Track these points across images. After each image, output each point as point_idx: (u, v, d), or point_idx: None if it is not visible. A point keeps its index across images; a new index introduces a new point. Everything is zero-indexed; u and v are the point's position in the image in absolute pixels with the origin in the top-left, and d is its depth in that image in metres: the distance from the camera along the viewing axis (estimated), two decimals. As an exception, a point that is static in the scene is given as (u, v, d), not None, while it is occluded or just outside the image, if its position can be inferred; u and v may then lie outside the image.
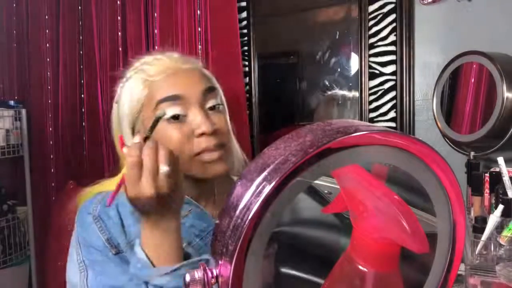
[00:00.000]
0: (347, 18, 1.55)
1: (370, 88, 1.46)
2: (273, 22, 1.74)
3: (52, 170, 2.09)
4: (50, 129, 2.09)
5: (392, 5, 1.40)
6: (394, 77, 1.42)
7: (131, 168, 0.62)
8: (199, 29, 1.64)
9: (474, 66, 1.18)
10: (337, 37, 1.59)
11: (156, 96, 0.77)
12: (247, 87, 1.67)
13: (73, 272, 0.76)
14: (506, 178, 0.97)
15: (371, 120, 1.46)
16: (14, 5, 2.18)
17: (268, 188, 0.35)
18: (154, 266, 0.65)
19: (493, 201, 1.06)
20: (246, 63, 1.67)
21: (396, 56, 1.41)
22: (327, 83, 1.62)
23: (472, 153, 1.18)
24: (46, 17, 2.06)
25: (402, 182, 0.45)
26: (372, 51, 1.45)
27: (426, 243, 0.44)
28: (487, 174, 1.09)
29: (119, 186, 0.66)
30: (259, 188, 0.36)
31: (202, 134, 0.75)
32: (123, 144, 0.69)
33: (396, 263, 0.47)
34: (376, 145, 0.39)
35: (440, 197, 0.42)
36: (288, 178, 0.35)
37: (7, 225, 2.03)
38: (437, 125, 1.27)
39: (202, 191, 0.84)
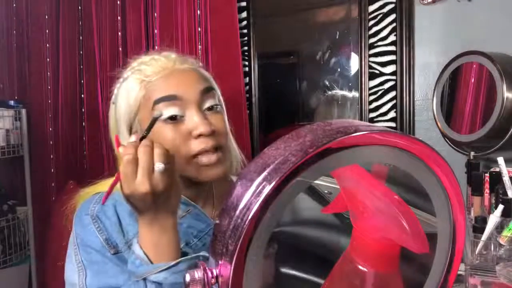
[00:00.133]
0: (347, 18, 1.55)
1: (370, 88, 1.46)
2: (273, 22, 1.74)
3: (52, 170, 2.09)
4: (50, 129, 2.09)
5: (392, 5, 1.40)
6: (394, 77, 1.42)
7: (127, 165, 0.63)
8: (199, 29, 1.64)
9: (474, 66, 1.18)
10: (337, 37, 1.59)
11: (153, 96, 0.76)
12: (247, 87, 1.67)
13: (71, 272, 0.76)
14: (506, 178, 0.97)
15: (371, 120, 1.46)
16: (14, 5, 2.18)
17: (268, 188, 0.35)
18: (152, 263, 0.66)
19: (493, 201, 1.06)
20: (246, 63, 1.67)
21: (396, 56, 1.41)
22: (327, 83, 1.62)
23: (472, 153, 1.18)
24: (46, 17, 2.06)
25: (402, 182, 0.45)
26: (372, 51, 1.45)
27: (426, 243, 0.44)
28: (487, 174, 1.09)
29: (114, 184, 0.66)
30: (259, 188, 0.36)
31: (199, 135, 0.75)
32: (119, 144, 0.70)
33: (396, 263, 0.47)
34: (376, 145, 0.39)
35: (440, 197, 0.42)
36: (288, 178, 0.35)
37: (7, 225, 2.03)
38: (437, 125, 1.27)
39: (200, 192, 0.84)
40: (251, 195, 0.36)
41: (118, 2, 1.84)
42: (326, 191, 0.53)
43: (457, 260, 0.45)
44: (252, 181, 0.37)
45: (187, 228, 0.79)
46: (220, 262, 0.38)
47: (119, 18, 1.84)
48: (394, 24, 1.41)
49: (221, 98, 0.85)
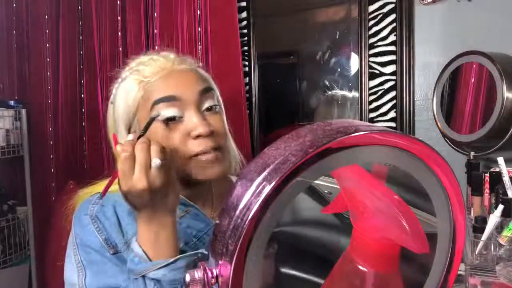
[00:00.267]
0: (347, 18, 1.55)
1: (370, 88, 1.46)
2: (273, 22, 1.74)
3: (52, 170, 2.09)
4: (50, 129, 2.09)
5: (392, 5, 1.40)
6: (394, 77, 1.42)
7: (124, 161, 0.64)
8: (199, 29, 1.64)
9: (474, 66, 1.18)
10: (337, 37, 1.59)
11: (152, 97, 0.76)
12: (247, 87, 1.67)
13: (71, 273, 0.76)
14: (506, 178, 0.97)
15: (371, 120, 1.46)
16: (14, 5, 2.18)
17: (268, 188, 0.35)
18: (150, 260, 0.66)
19: (493, 201, 1.06)
20: (246, 63, 1.67)
21: (396, 56, 1.41)
22: (327, 83, 1.62)
23: (472, 153, 1.18)
24: (46, 17, 2.06)
25: (402, 182, 0.45)
26: (372, 51, 1.45)
27: (426, 243, 0.44)
28: (487, 174, 1.09)
29: (112, 180, 0.67)
30: (259, 188, 0.36)
31: (198, 136, 0.75)
32: (116, 142, 0.70)
33: (396, 263, 0.47)
34: (376, 145, 0.39)
35: (440, 197, 0.42)
36: (288, 178, 0.35)
37: (7, 225, 2.03)
38: (437, 125, 1.27)
39: (199, 192, 0.84)
40: (251, 195, 0.36)
41: (118, 2, 1.84)
42: (326, 191, 0.53)
43: (457, 260, 0.45)
44: (252, 181, 0.37)
45: (186, 228, 0.79)
46: (220, 262, 0.38)
47: (119, 18, 1.84)
48: (394, 24, 1.41)
49: (220, 98, 0.85)
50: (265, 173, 0.36)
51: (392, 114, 1.44)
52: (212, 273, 0.39)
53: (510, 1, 1.25)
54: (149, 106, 0.76)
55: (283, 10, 1.71)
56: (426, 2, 1.36)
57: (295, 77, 1.72)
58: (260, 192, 0.35)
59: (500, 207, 0.89)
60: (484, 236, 0.86)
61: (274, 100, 1.74)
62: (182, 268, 0.65)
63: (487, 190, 1.09)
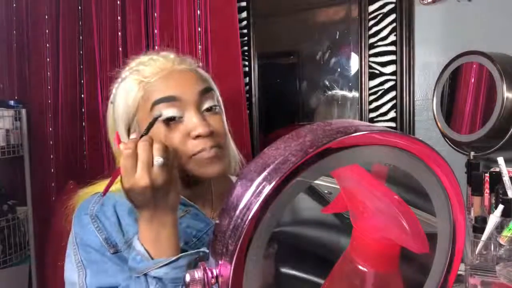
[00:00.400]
0: (347, 18, 1.55)
1: (370, 88, 1.46)
2: (273, 22, 1.74)
3: (52, 170, 2.09)
4: (50, 129, 2.09)
5: (392, 5, 1.40)
6: (394, 77, 1.42)
7: (126, 159, 0.64)
8: (199, 29, 1.64)
9: (474, 66, 1.18)
10: (337, 37, 1.59)
11: (152, 97, 0.76)
12: (247, 87, 1.67)
13: (71, 272, 0.76)
14: (506, 178, 0.97)
15: (371, 120, 1.46)
16: (14, 5, 2.18)
17: (268, 188, 0.35)
18: (152, 259, 0.66)
19: (493, 201, 1.06)
20: (246, 63, 1.67)
21: (396, 56, 1.41)
22: (327, 83, 1.62)
23: (472, 153, 1.18)
24: (46, 17, 2.06)
25: (402, 182, 0.45)
26: (372, 51, 1.45)
27: (426, 243, 0.44)
28: (487, 174, 1.09)
29: (114, 178, 0.67)
30: (259, 188, 0.36)
31: (198, 136, 0.75)
32: (119, 141, 0.71)
33: (396, 263, 0.47)
34: (376, 145, 0.39)
35: (440, 197, 0.42)
36: (288, 178, 0.35)
37: (7, 225, 2.03)
38: (437, 125, 1.27)
39: (198, 192, 0.84)
40: (251, 195, 0.36)
41: (118, 2, 1.84)
42: (326, 191, 0.53)
43: (457, 260, 0.45)
44: (252, 181, 0.37)
45: (186, 228, 0.79)
46: (220, 262, 0.38)
47: (119, 18, 1.84)
48: (394, 24, 1.41)
49: (220, 98, 0.85)
50: (265, 173, 0.36)
51: (392, 114, 1.44)
52: (212, 273, 0.39)
53: (510, 1, 1.25)
54: (149, 106, 0.76)
55: (283, 10, 1.71)
56: (426, 2, 1.36)
57: (295, 77, 1.72)
58: (260, 192, 0.35)
59: (500, 207, 0.89)
60: (484, 236, 0.86)
61: (274, 100, 1.74)
62: (184, 266, 0.66)
63: (487, 190, 1.09)
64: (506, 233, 0.86)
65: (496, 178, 1.04)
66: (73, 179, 1.94)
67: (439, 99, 1.27)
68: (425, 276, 0.45)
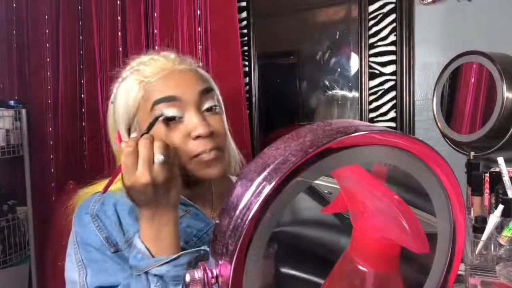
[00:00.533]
0: (347, 18, 1.55)
1: (370, 88, 1.46)
2: (273, 22, 1.74)
3: (52, 170, 2.09)
4: (50, 129, 2.09)
5: (392, 5, 1.40)
6: (394, 77, 1.42)
7: (127, 156, 0.65)
8: (199, 29, 1.64)
9: (474, 66, 1.18)
10: (337, 37, 1.59)
11: (152, 97, 0.76)
12: (247, 87, 1.67)
13: (71, 271, 0.76)
14: (506, 178, 0.97)
15: (371, 120, 1.46)
16: (14, 5, 2.18)
17: (268, 188, 0.35)
18: (153, 257, 0.66)
19: (493, 201, 1.06)
20: (246, 63, 1.67)
21: (396, 56, 1.41)
22: (327, 83, 1.62)
23: (472, 153, 1.18)
24: (46, 17, 2.06)
25: (402, 182, 0.45)
26: (372, 51, 1.45)
27: (426, 243, 0.44)
28: (487, 174, 1.09)
29: (114, 176, 0.67)
30: (259, 188, 0.36)
31: (198, 137, 0.75)
32: (121, 139, 0.71)
33: (396, 263, 0.47)
34: (376, 145, 0.39)
35: (440, 197, 0.42)
36: (288, 178, 0.35)
37: (7, 225, 2.03)
38: (437, 125, 1.27)
39: (199, 191, 0.84)
40: (251, 195, 0.36)
41: (118, 2, 1.84)
42: (326, 191, 0.53)
43: (457, 260, 0.45)
44: (252, 181, 0.37)
45: (186, 228, 0.79)
46: (220, 262, 0.38)
47: (119, 18, 1.84)
48: (394, 24, 1.41)
49: (220, 98, 0.85)
50: (265, 173, 0.36)
51: (392, 114, 1.44)
52: (212, 273, 0.39)
53: (510, 1, 1.25)
54: (149, 106, 0.77)
55: (283, 10, 1.71)
56: (426, 2, 1.36)
57: (295, 77, 1.72)
58: (260, 192, 0.35)
59: (500, 207, 0.89)
60: (484, 236, 0.86)
61: (274, 100, 1.74)
62: (185, 264, 0.66)
63: (487, 190, 1.09)
64: (506, 233, 0.86)
65: (496, 178, 1.04)
66: (73, 179, 1.94)
67: (439, 99, 1.27)
68: (425, 276, 0.45)
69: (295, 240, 0.52)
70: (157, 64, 0.80)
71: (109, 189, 0.71)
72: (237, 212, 0.36)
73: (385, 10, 1.42)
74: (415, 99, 1.42)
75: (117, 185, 0.76)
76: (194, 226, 0.81)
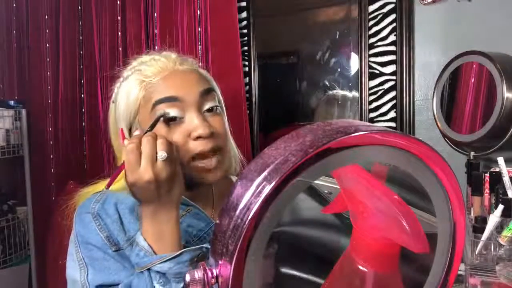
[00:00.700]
0: (347, 18, 1.55)
1: (370, 88, 1.46)
2: (273, 22, 1.74)
3: (52, 170, 2.09)
4: (50, 129, 2.09)
5: (392, 5, 1.40)
6: (394, 77, 1.42)
7: (130, 153, 0.65)
8: (199, 29, 1.64)
9: (474, 66, 1.18)
10: (337, 37, 1.59)
11: (153, 97, 0.77)
12: (247, 87, 1.67)
13: (73, 270, 0.77)
14: (506, 178, 0.97)
15: (371, 120, 1.46)
16: (14, 5, 2.18)
17: (268, 188, 0.35)
18: (155, 254, 0.67)
19: (493, 201, 1.06)
20: (246, 63, 1.67)
21: (396, 56, 1.41)
22: (327, 83, 1.62)
23: (472, 153, 1.18)
24: (46, 17, 2.06)
25: (402, 182, 0.45)
26: (372, 51, 1.45)
27: (426, 243, 0.44)
28: (487, 174, 1.09)
29: (119, 171, 0.68)
30: (259, 188, 0.36)
31: (198, 137, 0.75)
32: (124, 137, 0.71)
33: (396, 263, 0.47)
34: (376, 145, 0.39)
35: (440, 197, 0.42)
36: (288, 178, 0.35)
37: (7, 225, 2.03)
38: (437, 125, 1.27)
39: (199, 191, 0.84)
40: (251, 195, 0.36)
41: (118, 2, 1.84)
42: (326, 191, 0.53)
43: (457, 260, 0.45)
44: (252, 181, 0.37)
45: (187, 227, 0.79)
46: (220, 262, 0.38)
47: (119, 18, 1.84)
48: (394, 24, 1.41)
49: (221, 99, 0.85)
50: (265, 173, 0.36)
51: (392, 114, 1.44)
52: (212, 273, 0.39)
53: (510, 1, 1.25)
54: (150, 106, 0.77)
55: (283, 10, 1.71)
56: (426, 2, 1.36)
57: (295, 77, 1.72)
58: (260, 192, 0.35)
59: (500, 207, 0.89)
60: (484, 236, 0.86)
61: (274, 100, 1.73)
62: (187, 261, 0.67)
63: (487, 190, 1.09)
64: (506, 233, 0.86)
65: (496, 178, 1.04)
66: (73, 179, 1.94)
67: (439, 99, 1.27)
68: (425, 276, 0.45)
69: (295, 240, 0.52)
70: (158, 64, 0.80)
71: (110, 188, 0.71)
72: (237, 212, 0.36)
73: (385, 10, 1.42)
74: (415, 99, 1.42)
75: (118, 184, 0.76)
76: (195, 226, 0.81)
